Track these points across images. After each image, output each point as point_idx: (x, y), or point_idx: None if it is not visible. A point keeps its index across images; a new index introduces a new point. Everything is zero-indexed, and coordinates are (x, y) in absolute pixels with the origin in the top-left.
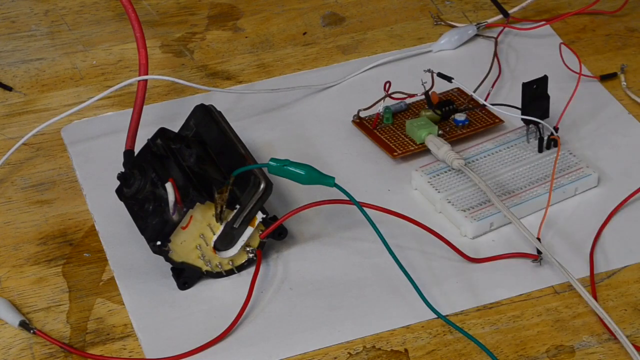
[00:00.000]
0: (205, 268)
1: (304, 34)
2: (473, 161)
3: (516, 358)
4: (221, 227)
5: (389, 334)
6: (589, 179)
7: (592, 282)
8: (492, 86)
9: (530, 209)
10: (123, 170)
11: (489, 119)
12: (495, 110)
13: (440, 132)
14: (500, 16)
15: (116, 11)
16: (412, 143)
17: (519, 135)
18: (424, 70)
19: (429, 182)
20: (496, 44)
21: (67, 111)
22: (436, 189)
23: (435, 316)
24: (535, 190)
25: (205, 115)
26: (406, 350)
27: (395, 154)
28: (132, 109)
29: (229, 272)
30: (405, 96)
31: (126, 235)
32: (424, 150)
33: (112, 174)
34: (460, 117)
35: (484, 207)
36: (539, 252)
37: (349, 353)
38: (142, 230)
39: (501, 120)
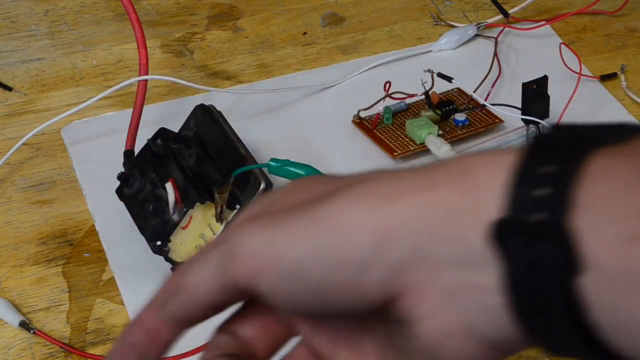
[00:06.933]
0: None
1: (304, 34)
2: None
3: (516, 358)
4: (221, 227)
5: None
6: None
7: None
8: (492, 86)
9: None
10: (123, 170)
11: (489, 119)
12: (495, 110)
13: (440, 132)
14: (500, 16)
15: (116, 11)
16: (412, 143)
17: (519, 135)
18: (424, 70)
19: None
20: (496, 44)
21: (67, 111)
22: None
23: None
24: None
25: (205, 115)
26: None
27: (395, 154)
28: (132, 109)
29: None
30: (405, 96)
31: (126, 235)
32: (424, 150)
33: (112, 174)
34: (460, 117)
35: None
36: None
37: None
38: (142, 230)
39: (501, 120)
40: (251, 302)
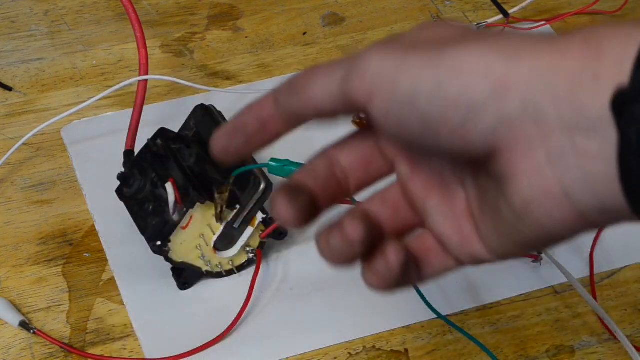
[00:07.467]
0: (205, 268)
1: (304, 34)
2: None
3: (516, 358)
4: (221, 227)
5: (389, 334)
6: None
7: (592, 282)
8: None
9: None
10: (123, 170)
11: None
12: None
13: None
14: (500, 16)
15: (116, 11)
16: None
17: None
18: None
19: None
20: None
21: (67, 111)
22: None
23: (435, 316)
24: None
25: (205, 116)
26: (406, 350)
27: None
28: (132, 109)
29: (229, 272)
30: None
31: (126, 235)
32: None
33: (112, 174)
34: None
35: None
36: (538, 252)
37: (349, 353)
38: (142, 230)
39: None
40: (358, 134)
